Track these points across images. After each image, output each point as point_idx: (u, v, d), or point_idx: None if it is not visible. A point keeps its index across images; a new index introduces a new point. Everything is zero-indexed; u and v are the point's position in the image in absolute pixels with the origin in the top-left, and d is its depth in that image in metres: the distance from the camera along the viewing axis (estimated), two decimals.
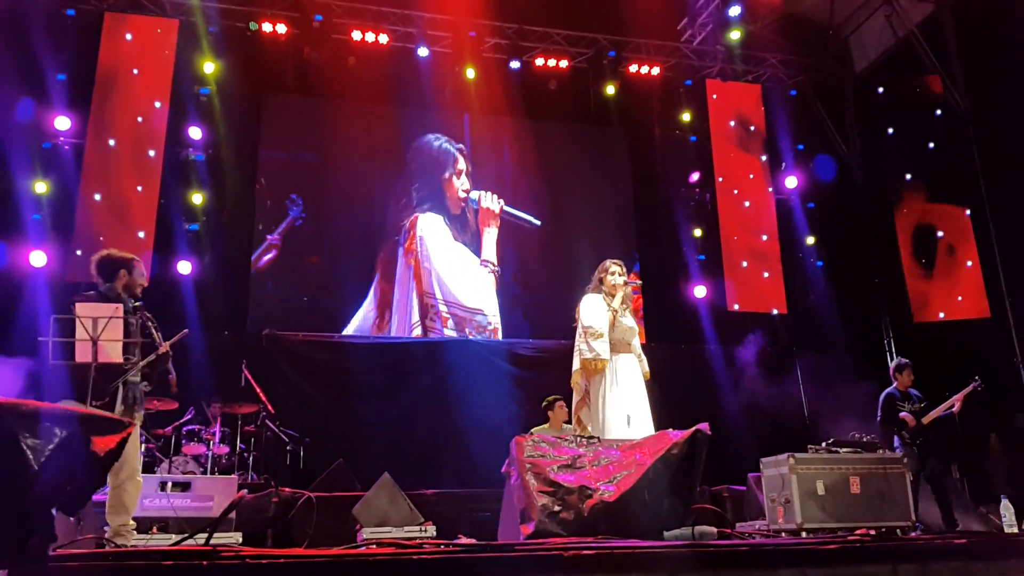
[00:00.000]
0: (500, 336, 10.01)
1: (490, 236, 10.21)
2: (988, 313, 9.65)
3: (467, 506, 7.51)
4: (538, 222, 10.40)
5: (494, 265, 10.17)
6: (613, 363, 5.24)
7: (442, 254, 10.04)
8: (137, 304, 4.86)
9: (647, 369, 5.42)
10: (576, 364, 5.33)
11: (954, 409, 7.06)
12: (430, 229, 10.06)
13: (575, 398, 5.42)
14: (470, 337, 9.84)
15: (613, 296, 5.40)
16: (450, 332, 9.84)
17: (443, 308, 9.86)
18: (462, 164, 10.35)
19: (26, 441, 2.37)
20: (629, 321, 5.41)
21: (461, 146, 10.40)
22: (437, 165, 10.31)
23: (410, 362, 9.25)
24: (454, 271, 10.00)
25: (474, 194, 10.31)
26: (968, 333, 9.76)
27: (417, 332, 9.73)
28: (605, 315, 5.29)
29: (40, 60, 8.50)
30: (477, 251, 10.23)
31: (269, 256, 9.60)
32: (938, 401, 7.23)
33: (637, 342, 5.47)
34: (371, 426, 8.76)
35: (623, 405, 5.16)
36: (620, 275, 5.45)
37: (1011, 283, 9.40)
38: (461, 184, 10.30)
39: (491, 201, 10.28)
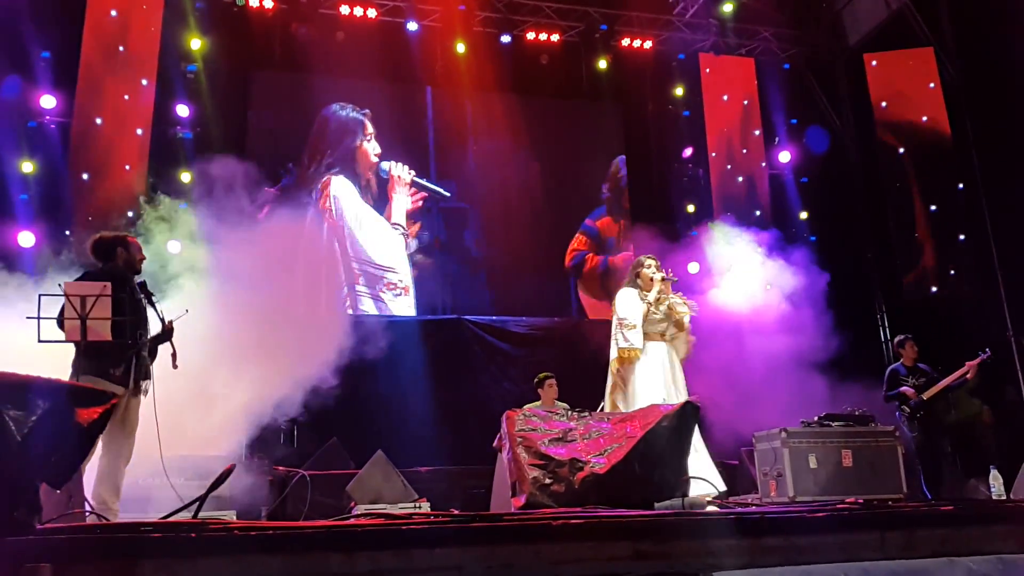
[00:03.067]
0: (411, 294, 10.04)
1: (399, 202, 10.24)
2: (980, 287, 9.67)
3: (461, 482, 7.57)
4: (448, 194, 10.36)
5: (404, 228, 10.20)
6: (645, 350, 5.54)
7: (353, 214, 10.04)
8: (140, 281, 4.90)
9: (684, 353, 5.71)
10: (613, 354, 5.64)
11: (968, 376, 7.17)
12: (342, 190, 10.05)
13: (608, 383, 5.70)
14: (387, 308, 9.84)
15: (648, 290, 5.67)
16: (362, 289, 9.85)
17: (355, 266, 9.89)
18: (370, 129, 10.30)
19: (8, 413, 2.36)
20: (662, 313, 5.65)
21: (367, 111, 10.31)
22: (348, 132, 10.24)
23: (404, 340, 9.23)
24: (364, 231, 10.02)
25: (385, 164, 10.26)
26: (960, 307, 9.78)
27: (345, 291, 9.74)
28: (639, 307, 5.60)
29: (24, 38, 8.36)
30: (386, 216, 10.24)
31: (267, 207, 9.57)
32: (947, 375, 7.32)
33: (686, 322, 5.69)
34: (365, 404, 8.77)
35: (659, 388, 5.41)
36: (656, 270, 5.72)
37: (1003, 257, 9.40)
38: (372, 148, 10.27)
39: (401, 170, 10.28)
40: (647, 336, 5.57)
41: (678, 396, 5.41)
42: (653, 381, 5.46)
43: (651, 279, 5.70)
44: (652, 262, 5.80)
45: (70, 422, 2.42)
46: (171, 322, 4.89)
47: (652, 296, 5.64)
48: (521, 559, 2.67)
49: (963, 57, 9.99)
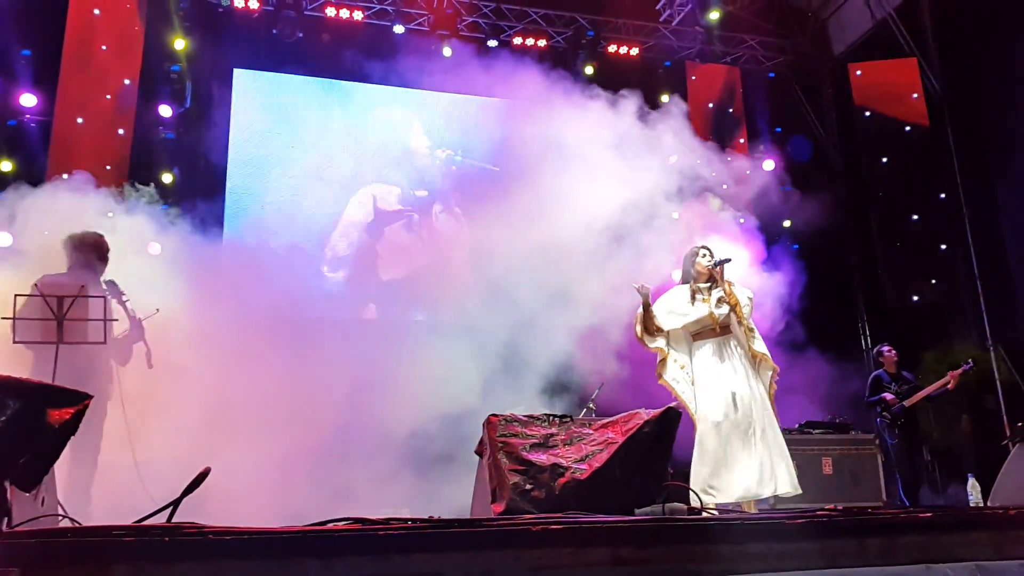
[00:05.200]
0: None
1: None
2: (961, 297, 9.76)
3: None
4: (496, 168, 10.35)
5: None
6: (697, 349, 5.21)
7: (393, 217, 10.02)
8: (108, 280, 4.86)
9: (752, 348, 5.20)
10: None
11: (949, 386, 7.23)
12: (383, 196, 10.03)
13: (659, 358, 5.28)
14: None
15: (703, 281, 5.31)
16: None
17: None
18: (419, 125, 10.28)
19: None
20: (726, 306, 5.23)
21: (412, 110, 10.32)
22: (398, 131, 10.21)
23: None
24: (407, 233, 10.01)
25: (439, 152, 10.25)
26: (941, 316, 9.86)
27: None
28: (679, 302, 5.23)
29: (4, 35, 8.28)
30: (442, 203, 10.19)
31: None
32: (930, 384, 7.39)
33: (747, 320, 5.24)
34: None
35: (722, 386, 5.07)
36: (711, 259, 5.33)
37: (983, 266, 9.50)
38: (422, 143, 10.23)
39: (447, 155, 10.29)
40: (699, 335, 5.21)
41: (748, 385, 5.06)
42: (712, 381, 5.10)
43: (706, 268, 5.31)
44: (707, 251, 5.36)
45: (41, 422, 2.38)
46: (141, 321, 4.85)
47: (705, 285, 5.27)
48: (501, 564, 2.64)
49: (946, 68, 10.10)
